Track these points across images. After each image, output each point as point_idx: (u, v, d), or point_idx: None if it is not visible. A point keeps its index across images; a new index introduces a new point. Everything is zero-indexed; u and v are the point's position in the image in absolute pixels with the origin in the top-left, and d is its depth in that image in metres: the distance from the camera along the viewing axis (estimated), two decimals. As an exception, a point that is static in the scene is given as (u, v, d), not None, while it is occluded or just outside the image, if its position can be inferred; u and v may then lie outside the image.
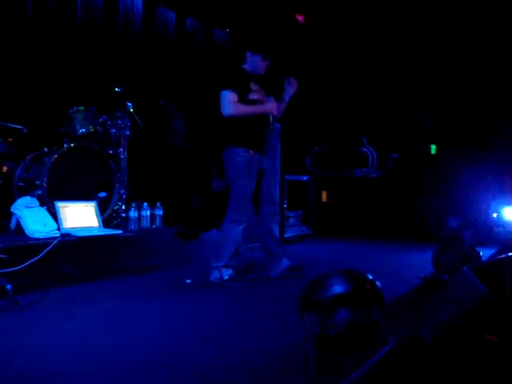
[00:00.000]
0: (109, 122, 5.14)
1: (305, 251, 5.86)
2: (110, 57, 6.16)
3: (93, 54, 6.02)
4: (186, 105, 6.88)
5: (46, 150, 4.75)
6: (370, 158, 7.79)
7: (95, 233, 4.32)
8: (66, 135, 4.94)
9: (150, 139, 6.09)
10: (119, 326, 2.91)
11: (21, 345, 2.53)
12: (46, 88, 5.47)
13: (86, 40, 6.05)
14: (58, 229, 4.15)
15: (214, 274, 4.02)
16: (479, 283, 1.39)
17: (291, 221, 6.66)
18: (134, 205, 4.85)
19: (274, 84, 4.31)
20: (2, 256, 3.40)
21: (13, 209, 4.12)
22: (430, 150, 8.16)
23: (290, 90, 4.30)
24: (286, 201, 6.55)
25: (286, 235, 6.44)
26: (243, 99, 4.00)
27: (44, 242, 3.78)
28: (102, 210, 4.72)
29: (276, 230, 4.28)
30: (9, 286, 3.13)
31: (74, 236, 4.10)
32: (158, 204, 5.04)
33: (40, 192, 4.40)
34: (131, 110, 5.20)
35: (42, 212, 4.21)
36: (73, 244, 4.04)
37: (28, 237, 3.95)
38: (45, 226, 4.08)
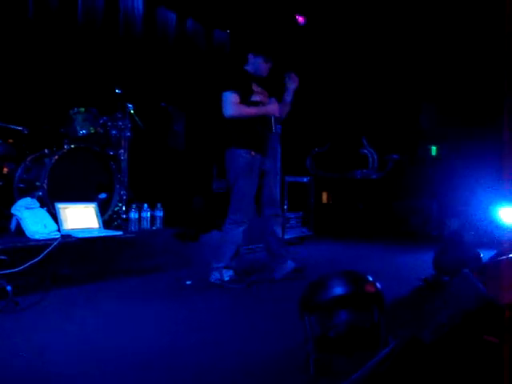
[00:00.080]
0: (109, 124, 5.15)
1: (305, 253, 5.86)
2: (110, 58, 6.17)
3: (93, 56, 6.02)
4: (186, 106, 6.89)
5: (46, 151, 4.76)
6: (371, 159, 7.79)
7: (95, 234, 4.31)
8: (67, 136, 4.95)
9: (150, 140, 6.09)
10: (119, 328, 2.90)
11: (21, 346, 2.53)
12: (47, 89, 5.48)
13: (86, 41, 6.06)
14: (59, 230, 4.15)
15: (215, 275, 4.02)
16: (479, 285, 1.39)
17: (291, 222, 6.66)
18: (134, 206, 4.85)
19: (276, 85, 4.31)
20: (2, 257, 3.40)
21: (13, 210, 4.12)
22: (430, 151, 8.16)
23: (292, 85, 4.29)
24: (286, 202, 6.56)
25: (286, 236, 6.43)
26: (245, 100, 3.99)
27: (44, 244, 3.78)
28: (102, 211, 4.72)
29: (279, 231, 4.25)
30: (9, 287, 3.13)
31: (74, 237, 4.10)
32: (159, 205, 5.05)
33: (40, 193, 4.41)
34: (132, 111, 5.20)
35: (43, 213, 4.21)
36: (73, 245, 4.04)
37: (28, 238, 3.95)
38: (45, 227, 4.08)
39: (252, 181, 4.05)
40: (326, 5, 7.49)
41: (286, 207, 6.52)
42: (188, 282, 4.06)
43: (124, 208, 5.04)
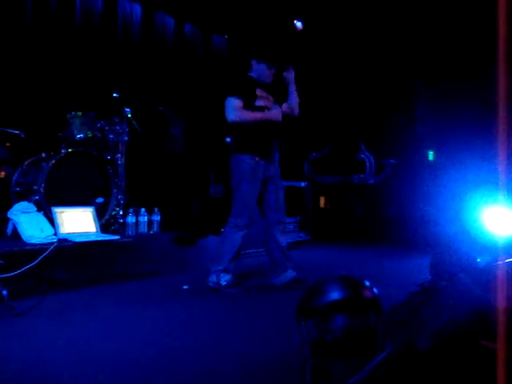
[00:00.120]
0: (107, 128, 5.15)
1: (302, 257, 5.85)
2: (108, 62, 6.18)
3: (91, 60, 6.03)
4: (184, 110, 6.89)
5: (43, 155, 4.76)
6: (368, 163, 7.80)
7: (92, 238, 4.31)
8: (64, 140, 4.95)
9: (147, 145, 6.10)
10: (117, 331, 2.90)
11: (16, 350, 2.52)
12: (44, 93, 5.48)
13: (84, 45, 6.07)
14: (55, 234, 4.15)
15: (212, 278, 4.01)
16: (475, 290, 1.39)
17: (289, 227, 6.66)
18: (131, 210, 4.85)
19: (281, 90, 4.31)
20: (-2, 261, 3.40)
21: (9, 214, 4.12)
22: (427, 156, 8.17)
23: (289, 75, 4.28)
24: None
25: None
26: (249, 106, 4.00)
27: (41, 248, 3.78)
28: (99, 215, 4.71)
29: (282, 238, 4.22)
30: (5, 292, 3.12)
31: (71, 241, 4.10)
32: (156, 209, 5.04)
33: (37, 197, 4.40)
34: (129, 115, 5.21)
35: (39, 217, 4.21)
36: (70, 249, 4.03)
37: (25, 242, 3.95)
38: (42, 231, 4.08)
39: (255, 186, 4.05)
40: (324, 8, 7.50)
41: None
42: (185, 287, 4.06)
43: (121, 212, 5.04)
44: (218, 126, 6.51)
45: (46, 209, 4.36)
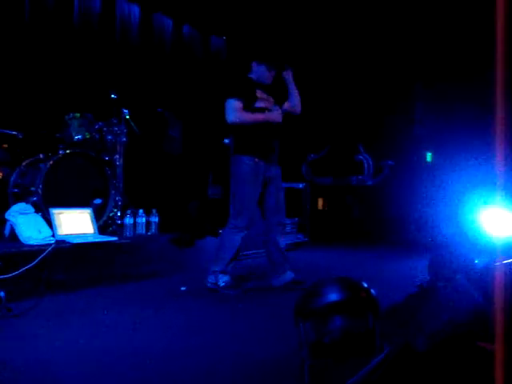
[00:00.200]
0: (105, 129, 5.14)
1: (301, 259, 5.85)
2: (106, 63, 6.18)
3: (89, 61, 6.03)
4: (182, 112, 6.89)
5: (41, 156, 4.75)
6: (366, 165, 7.81)
7: (90, 240, 4.30)
8: (62, 142, 4.94)
9: (146, 146, 6.09)
10: (115, 333, 2.89)
11: (14, 352, 2.52)
12: (42, 94, 5.48)
13: (82, 46, 6.07)
14: (53, 235, 4.14)
15: (210, 279, 4.01)
16: (473, 291, 1.39)
17: (287, 228, 6.66)
18: (129, 212, 4.85)
19: (282, 91, 4.32)
20: (-4, 263, 3.39)
21: (7, 215, 4.11)
22: (425, 157, 8.18)
23: (287, 75, 4.28)
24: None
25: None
26: (249, 107, 4.01)
27: (38, 249, 3.76)
28: (97, 216, 4.71)
29: (281, 240, 4.23)
30: (2, 293, 3.11)
31: (68, 243, 4.09)
32: (154, 211, 5.04)
33: (35, 198, 4.39)
34: (127, 116, 5.21)
35: (37, 218, 4.20)
36: (68, 251, 4.03)
37: (22, 243, 3.94)
38: (39, 232, 4.07)
39: (255, 187, 4.05)
40: (322, 9, 7.51)
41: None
42: (183, 288, 4.06)
43: (119, 213, 5.04)
44: (216, 128, 6.53)
45: (43, 210, 4.35)
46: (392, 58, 7.94)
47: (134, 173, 5.61)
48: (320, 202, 8.63)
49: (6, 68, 5.26)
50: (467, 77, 7.18)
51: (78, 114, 4.98)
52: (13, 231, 4.07)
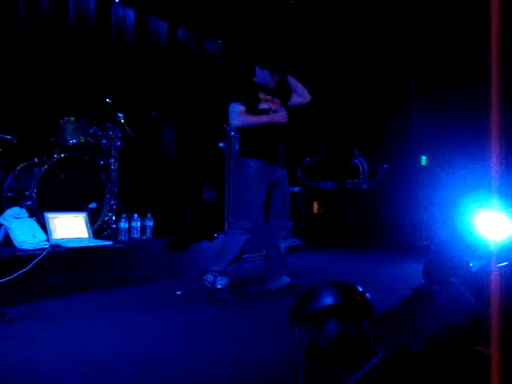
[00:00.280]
0: (99, 133, 5.13)
1: (296, 263, 5.84)
2: (101, 67, 6.17)
3: (84, 65, 6.02)
4: (177, 116, 6.89)
5: (36, 160, 4.74)
6: (361, 168, 7.82)
7: (85, 244, 4.29)
8: (57, 146, 4.93)
9: (140, 150, 6.08)
10: (110, 337, 2.88)
11: (9, 356, 2.50)
12: (37, 98, 5.46)
13: (77, 50, 6.06)
14: (48, 240, 4.13)
15: (209, 278, 3.99)
16: (468, 294, 1.39)
17: (282, 232, 6.65)
18: (124, 216, 4.83)
19: (287, 93, 4.33)
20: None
21: (1, 220, 4.10)
22: (420, 160, 8.20)
23: (291, 79, 4.32)
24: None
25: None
26: (252, 109, 4.02)
27: (33, 253, 3.75)
28: (92, 220, 4.70)
29: (282, 245, 4.24)
30: (-4, 298, 3.10)
31: (63, 247, 4.07)
32: (149, 215, 5.03)
33: (29, 203, 4.37)
34: (122, 120, 5.20)
35: (31, 223, 4.19)
36: (62, 255, 4.01)
37: (16, 248, 3.93)
38: (34, 237, 4.05)
39: (261, 190, 4.06)
40: (319, 13, 7.52)
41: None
42: (178, 292, 4.05)
43: (114, 218, 5.02)
44: (210, 131, 6.52)
45: (38, 214, 4.33)
46: (387, 61, 7.96)
47: (128, 177, 5.60)
48: (315, 206, 8.63)
49: (0, 72, 5.24)
50: (462, 80, 7.20)
51: (73, 118, 4.97)
52: (7, 236, 4.05)
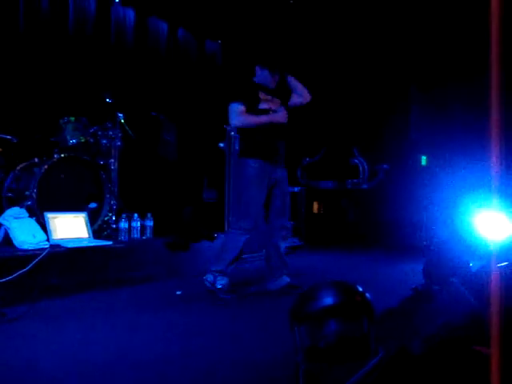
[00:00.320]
0: (99, 133, 5.13)
1: (296, 263, 5.83)
2: (101, 67, 6.17)
3: (84, 65, 6.02)
4: (177, 116, 6.89)
5: (36, 160, 4.73)
6: (361, 168, 7.81)
7: (85, 244, 4.29)
8: (57, 146, 4.93)
9: (140, 150, 6.08)
10: (110, 337, 2.88)
11: (9, 356, 2.50)
12: (37, 98, 5.46)
13: (77, 50, 6.05)
14: (48, 240, 4.13)
15: (209, 278, 3.99)
16: (468, 294, 1.39)
17: (282, 232, 6.65)
18: (124, 216, 4.83)
19: (287, 93, 4.34)
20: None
21: (1, 220, 4.09)
22: (420, 160, 8.19)
23: (291, 79, 4.32)
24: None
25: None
26: (252, 109, 4.02)
27: (33, 253, 3.75)
28: (92, 220, 4.70)
29: (282, 245, 4.24)
30: (-4, 298, 3.10)
31: (63, 247, 4.07)
32: (149, 215, 5.03)
33: (29, 203, 4.37)
34: (122, 120, 5.20)
35: (31, 223, 4.18)
36: (62, 255, 4.01)
37: (16, 248, 3.92)
38: (34, 237, 4.05)
39: (261, 190, 4.06)
40: (318, 13, 7.52)
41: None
42: (178, 292, 4.04)
43: (114, 218, 5.02)
44: (211, 131, 6.52)
45: (38, 214, 4.33)
46: (387, 61, 7.95)
47: (128, 177, 5.60)
48: (315, 206, 8.63)
49: (0, 72, 5.24)
50: (462, 80, 7.21)
51: (73, 118, 4.97)
52: (7, 236, 4.05)
